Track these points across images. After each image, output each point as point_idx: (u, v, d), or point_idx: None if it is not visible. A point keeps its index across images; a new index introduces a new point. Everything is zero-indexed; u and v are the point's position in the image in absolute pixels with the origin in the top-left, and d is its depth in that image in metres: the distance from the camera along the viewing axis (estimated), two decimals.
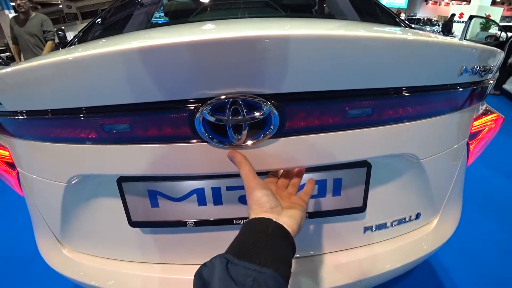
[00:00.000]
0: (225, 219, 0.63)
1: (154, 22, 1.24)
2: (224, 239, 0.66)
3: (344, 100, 0.49)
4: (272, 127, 0.46)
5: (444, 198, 0.76)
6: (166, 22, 1.28)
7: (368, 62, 0.46)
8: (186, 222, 0.63)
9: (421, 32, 0.83)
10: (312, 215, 0.64)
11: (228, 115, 0.45)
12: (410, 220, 0.73)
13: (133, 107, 0.47)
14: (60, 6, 19.81)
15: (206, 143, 0.49)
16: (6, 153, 0.71)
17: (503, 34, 4.18)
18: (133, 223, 0.63)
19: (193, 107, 0.46)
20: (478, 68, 0.57)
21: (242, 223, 0.63)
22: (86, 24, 1.30)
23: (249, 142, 0.47)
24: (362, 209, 0.65)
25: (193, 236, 0.68)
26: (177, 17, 1.27)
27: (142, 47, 0.40)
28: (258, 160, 0.50)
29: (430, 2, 22.80)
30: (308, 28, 0.54)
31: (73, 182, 0.59)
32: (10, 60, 3.48)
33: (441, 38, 0.55)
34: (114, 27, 1.23)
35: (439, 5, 22.91)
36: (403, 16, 17.62)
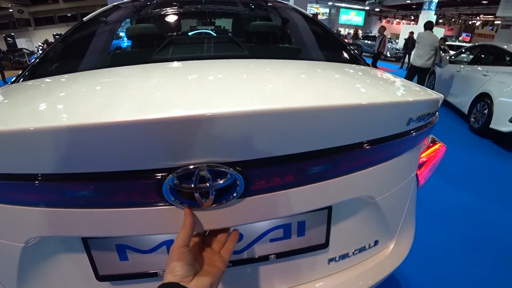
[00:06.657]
0: None
1: (115, 52, 1.19)
2: None
3: (303, 160, 0.53)
4: (237, 190, 0.49)
5: (398, 224, 0.84)
6: (128, 53, 1.24)
7: (324, 127, 0.50)
8: (157, 272, 0.62)
9: (378, 76, 0.90)
10: (279, 255, 0.67)
11: (196, 183, 0.46)
12: (369, 247, 0.80)
13: (98, 175, 0.46)
14: (10, 10, 18.17)
15: (174, 206, 0.50)
16: None
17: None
18: (100, 277, 0.62)
19: (160, 176, 0.47)
20: (422, 115, 0.65)
21: None
22: (40, 45, 1.17)
23: (216, 204, 0.49)
24: (325, 245, 0.70)
25: None
26: (140, 43, 1.23)
27: (108, 123, 0.41)
28: (225, 217, 0.52)
29: (384, 21, 25.19)
30: (268, 94, 0.56)
31: (31, 243, 0.56)
32: None
33: (389, 97, 0.61)
34: (72, 56, 1.14)
35: (392, 23, 25.39)
36: (360, 33, 19.24)
